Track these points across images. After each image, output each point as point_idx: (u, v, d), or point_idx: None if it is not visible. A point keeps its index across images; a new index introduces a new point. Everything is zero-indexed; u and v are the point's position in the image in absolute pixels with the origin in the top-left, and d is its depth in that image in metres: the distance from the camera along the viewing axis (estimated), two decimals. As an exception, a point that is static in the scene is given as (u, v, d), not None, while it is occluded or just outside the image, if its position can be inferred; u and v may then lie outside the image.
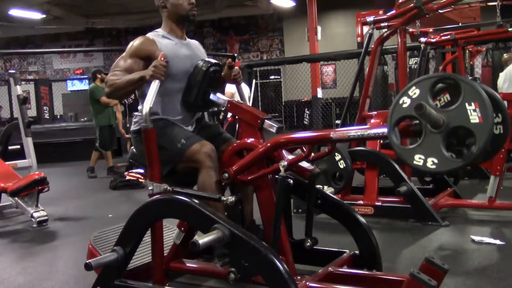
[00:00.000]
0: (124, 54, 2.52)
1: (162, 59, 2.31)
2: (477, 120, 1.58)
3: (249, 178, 2.28)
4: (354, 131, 1.94)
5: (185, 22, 2.63)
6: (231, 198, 2.21)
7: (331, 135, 2.00)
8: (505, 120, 1.84)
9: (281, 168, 2.13)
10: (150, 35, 2.59)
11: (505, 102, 4.14)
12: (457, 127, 1.62)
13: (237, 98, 2.73)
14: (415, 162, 1.68)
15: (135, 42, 2.53)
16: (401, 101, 1.70)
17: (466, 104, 1.59)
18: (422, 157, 1.66)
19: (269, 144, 2.19)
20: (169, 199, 2.25)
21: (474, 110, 1.58)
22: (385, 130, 1.79)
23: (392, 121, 1.72)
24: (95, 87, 7.46)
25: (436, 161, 1.64)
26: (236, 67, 2.65)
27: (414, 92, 1.67)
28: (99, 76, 7.49)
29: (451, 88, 1.77)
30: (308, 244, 2.39)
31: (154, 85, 2.28)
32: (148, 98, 2.26)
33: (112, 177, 6.75)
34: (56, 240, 4.06)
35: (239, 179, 2.30)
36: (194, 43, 2.76)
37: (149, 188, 2.34)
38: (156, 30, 2.64)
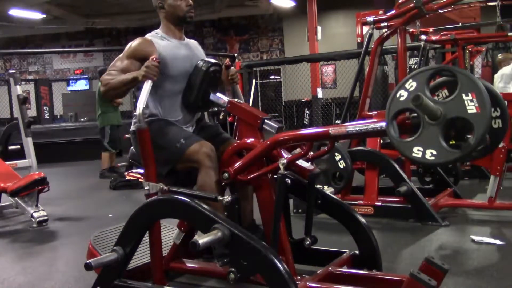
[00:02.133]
0: (121, 54, 2.51)
1: (154, 59, 2.29)
2: (474, 110, 1.58)
3: (249, 177, 2.28)
4: (352, 126, 1.95)
5: (182, 23, 2.63)
6: (227, 198, 2.20)
7: (330, 131, 2.00)
8: (503, 114, 1.84)
9: (280, 166, 2.13)
10: (148, 36, 2.59)
11: (506, 104, 4.14)
12: (455, 118, 1.62)
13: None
14: (413, 155, 1.67)
15: (133, 43, 2.53)
16: (398, 95, 1.71)
17: (463, 95, 1.59)
18: (421, 149, 1.66)
19: (268, 142, 2.19)
20: (169, 199, 2.25)
21: (471, 101, 1.58)
22: (383, 124, 1.79)
23: (390, 115, 1.72)
24: None
25: (435, 152, 1.64)
26: (233, 68, 2.63)
27: (411, 85, 1.67)
28: None
29: (449, 84, 1.78)
30: (308, 242, 2.39)
31: (147, 86, 2.27)
32: (141, 98, 2.25)
33: (112, 177, 6.75)
34: (56, 240, 4.06)
35: (239, 179, 2.30)
36: (193, 43, 2.75)
37: (145, 188, 2.34)
38: (155, 31, 2.64)
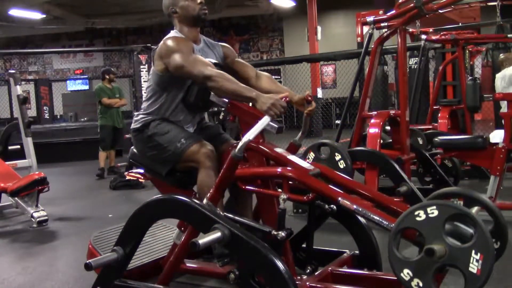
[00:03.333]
0: (178, 51, 2.35)
1: (284, 99, 2.18)
2: (475, 271, 1.58)
3: (248, 188, 2.27)
4: (361, 208, 1.95)
5: (198, 22, 2.57)
6: (282, 234, 2.11)
7: (339, 199, 2.01)
8: (502, 247, 1.86)
9: (281, 201, 2.12)
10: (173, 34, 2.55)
11: (505, 102, 4.14)
12: (455, 266, 1.63)
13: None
14: (401, 275, 1.68)
15: (178, 40, 2.42)
16: (416, 212, 1.69)
17: (473, 252, 1.59)
18: (410, 274, 1.67)
19: (277, 172, 2.18)
20: (169, 199, 2.25)
21: (477, 261, 1.58)
22: (392, 225, 1.80)
23: (399, 227, 1.72)
24: (99, 88, 7.48)
25: (421, 285, 1.65)
26: (314, 103, 2.50)
27: (433, 212, 1.65)
28: (107, 76, 7.50)
29: (467, 198, 1.79)
30: (309, 271, 2.40)
31: (265, 121, 2.09)
32: (253, 131, 2.09)
33: (112, 177, 6.75)
34: (56, 240, 4.06)
35: (239, 184, 2.29)
36: (212, 45, 2.69)
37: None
38: (172, 32, 2.58)
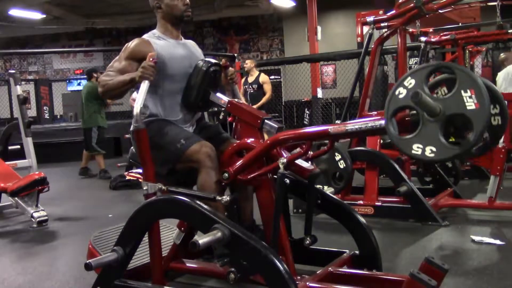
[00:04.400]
0: (119, 56, 2.52)
1: (151, 59, 2.29)
2: (473, 107, 1.58)
3: (248, 177, 2.28)
4: (351, 124, 1.95)
5: (180, 22, 2.63)
6: (226, 198, 2.20)
7: (329, 130, 2.01)
8: (503, 111, 1.84)
9: (280, 165, 2.13)
10: (145, 36, 2.59)
11: (505, 102, 4.13)
12: (454, 114, 1.62)
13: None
14: (413, 152, 1.68)
15: (130, 44, 2.53)
16: (397, 92, 1.71)
17: (462, 91, 1.59)
18: (421, 146, 1.67)
19: (268, 142, 2.20)
20: (169, 199, 2.25)
21: (470, 97, 1.58)
22: (382, 122, 1.79)
23: (389, 112, 1.72)
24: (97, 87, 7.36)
25: (434, 149, 1.64)
26: (231, 68, 2.64)
27: (410, 82, 1.68)
28: (95, 75, 7.44)
29: (448, 81, 1.78)
30: (308, 242, 2.39)
31: (144, 86, 2.27)
32: (139, 99, 2.26)
33: (112, 177, 6.74)
34: (56, 240, 4.06)
35: (239, 179, 2.30)
36: (191, 43, 2.76)
37: (144, 188, 2.33)
38: (152, 31, 2.64)
